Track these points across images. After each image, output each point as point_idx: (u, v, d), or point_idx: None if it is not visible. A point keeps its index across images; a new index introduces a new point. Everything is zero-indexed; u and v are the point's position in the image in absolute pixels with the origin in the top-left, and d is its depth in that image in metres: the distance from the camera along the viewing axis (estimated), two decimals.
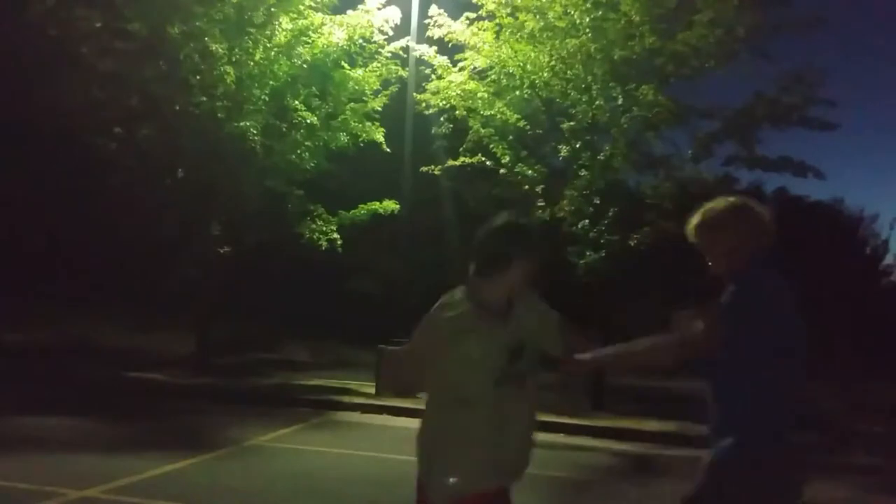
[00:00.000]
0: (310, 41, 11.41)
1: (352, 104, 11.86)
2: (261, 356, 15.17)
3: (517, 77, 10.86)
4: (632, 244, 10.36)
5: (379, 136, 12.08)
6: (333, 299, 17.53)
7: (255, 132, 11.15)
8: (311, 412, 9.53)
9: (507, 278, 2.43)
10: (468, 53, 11.10)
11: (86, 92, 11.11)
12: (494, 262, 2.43)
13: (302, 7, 11.22)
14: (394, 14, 11.57)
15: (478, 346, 2.38)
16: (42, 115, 12.96)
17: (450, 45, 11.24)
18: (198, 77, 11.21)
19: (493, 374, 2.37)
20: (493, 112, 11.01)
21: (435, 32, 11.10)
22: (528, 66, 10.65)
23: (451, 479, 2.37)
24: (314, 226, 11.97)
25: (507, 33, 10.67)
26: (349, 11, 11.64)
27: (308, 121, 11.46)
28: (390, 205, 12.05)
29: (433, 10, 11.13)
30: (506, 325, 2.43)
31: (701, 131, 10.64)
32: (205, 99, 11.26)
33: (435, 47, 11.33)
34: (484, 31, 10.87)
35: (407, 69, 11.64)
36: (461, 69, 11.20)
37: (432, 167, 11.94)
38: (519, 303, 2.49)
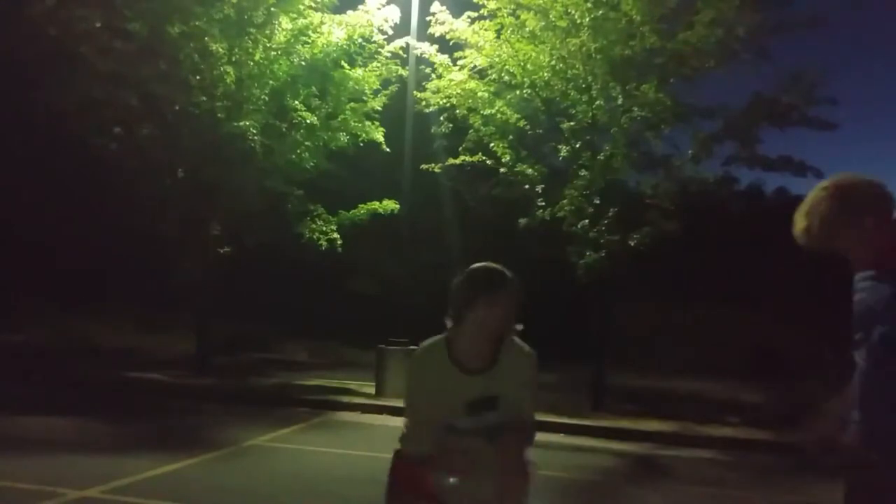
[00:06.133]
0: (309, 41, 11.40)
1: (352, 104, 11.85)
2: (261, 356, 15.17)
3: (517, 76, 10.86)
4: (632, 244, 10.36)
5: (379, 136, 12.07)
6: (333, 299, 17.51)
7: (254, 132, 11.15)
8: (311, 412, 9.54)
9: (475, 320, 2.38)
10: (468, 52, 11.10)
11: (86, 92, 11.10)
12: (462, 304, 2.39)
13: (302, 7, 11.21)
14: (393, 14, 11.58)
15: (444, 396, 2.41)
16: (42, 114, 12.95)
17: (451, 42, 11.23)
18: (198, 77, 11.21)
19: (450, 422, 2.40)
20: (493, 111, 11.00)
21: (437, 30, 11.08)
22: (529, 66, 10.64)
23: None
24: (314, 226, 11.98)
25: (508, 32, 10.67)
26: (349, 11, 11.64)
27: (308, 121, 11.45)
28: (390, 204, 12.04)
29: (435, 6, 11.13)
30: (483, 377, 2.42)
31: (701, 131, 10.63)
32: (205, 99, 11.26)
33: (436, 45, 11.33)
34: (485, 30, 10.87)
35: (407, 68, 11.64)
36: (461, 68, 11.20)
37: (432, 165, 11.94)
38: (506, 356, 2.45)
